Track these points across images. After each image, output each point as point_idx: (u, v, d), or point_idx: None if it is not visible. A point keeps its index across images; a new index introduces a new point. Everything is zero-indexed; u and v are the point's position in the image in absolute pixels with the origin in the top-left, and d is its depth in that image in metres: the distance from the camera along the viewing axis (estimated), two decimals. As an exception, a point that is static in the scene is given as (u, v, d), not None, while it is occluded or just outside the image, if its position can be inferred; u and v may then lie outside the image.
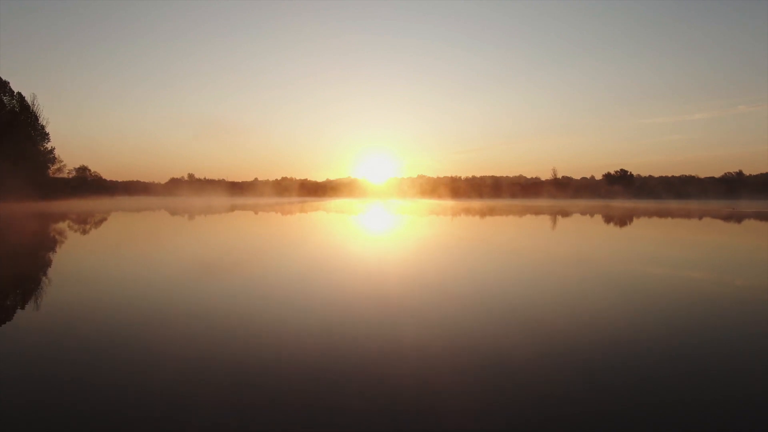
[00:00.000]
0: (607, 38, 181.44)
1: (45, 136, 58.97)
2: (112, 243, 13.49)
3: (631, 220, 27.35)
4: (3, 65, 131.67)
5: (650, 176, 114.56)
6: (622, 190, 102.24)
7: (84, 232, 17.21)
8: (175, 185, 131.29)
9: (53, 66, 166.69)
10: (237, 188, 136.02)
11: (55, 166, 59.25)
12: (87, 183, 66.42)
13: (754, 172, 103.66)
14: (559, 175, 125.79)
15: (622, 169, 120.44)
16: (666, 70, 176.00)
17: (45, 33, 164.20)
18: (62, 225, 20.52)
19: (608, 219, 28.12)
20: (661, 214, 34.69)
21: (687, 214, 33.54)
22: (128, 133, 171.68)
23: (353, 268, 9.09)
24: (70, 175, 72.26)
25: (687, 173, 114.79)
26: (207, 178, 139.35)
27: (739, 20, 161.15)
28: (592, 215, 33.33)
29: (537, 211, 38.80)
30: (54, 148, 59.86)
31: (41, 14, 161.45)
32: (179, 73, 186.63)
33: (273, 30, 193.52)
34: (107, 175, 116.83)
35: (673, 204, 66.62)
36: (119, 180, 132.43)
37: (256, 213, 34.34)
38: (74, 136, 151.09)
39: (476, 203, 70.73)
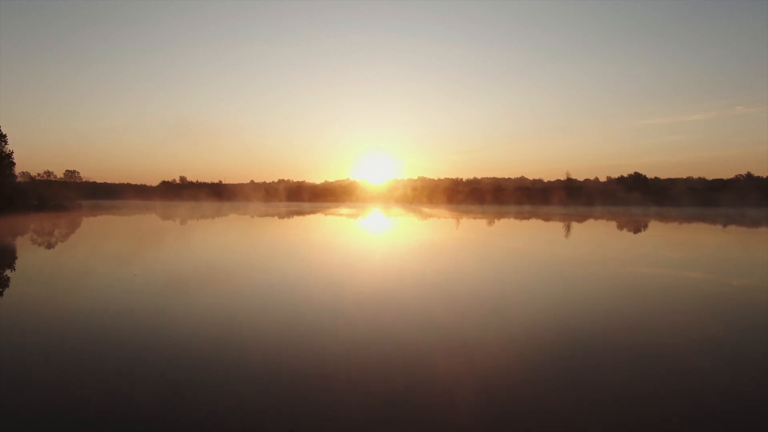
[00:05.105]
0: (607, 38, 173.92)
1: (2, 138, 52.38)
2: None
3: None
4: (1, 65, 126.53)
5: (669, 179, 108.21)
6: (641, 197, 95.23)
7: None
8: (166, 188, 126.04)
9: (50, 66, 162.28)
10: (224, 192, 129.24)
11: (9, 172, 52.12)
12: (52, 188, 59.87)
13: (763, 174, 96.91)
14: (563, 177, 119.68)
15: (636, 173, 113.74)
16: (666, 70, 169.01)
17: (43, 33, 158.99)
18: None
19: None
20: None
21: None
22: (123, 134, 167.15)
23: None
24: (39, 177, 65.77)
25: (686, 175, 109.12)
26: (200, 180, 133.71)
27: (738, 21, 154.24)
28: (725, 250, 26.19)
29: (578, 221, 31.84)
30: (12, 152, 52.87)
31: (40, 15, 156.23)
32: (177, 73, 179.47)
33: (272, 30, 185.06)
34: (97, 178, 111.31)
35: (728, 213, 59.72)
36: (114, 182, 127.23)
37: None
38: (69, 138, 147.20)
39: (487, 213, 64.09)
